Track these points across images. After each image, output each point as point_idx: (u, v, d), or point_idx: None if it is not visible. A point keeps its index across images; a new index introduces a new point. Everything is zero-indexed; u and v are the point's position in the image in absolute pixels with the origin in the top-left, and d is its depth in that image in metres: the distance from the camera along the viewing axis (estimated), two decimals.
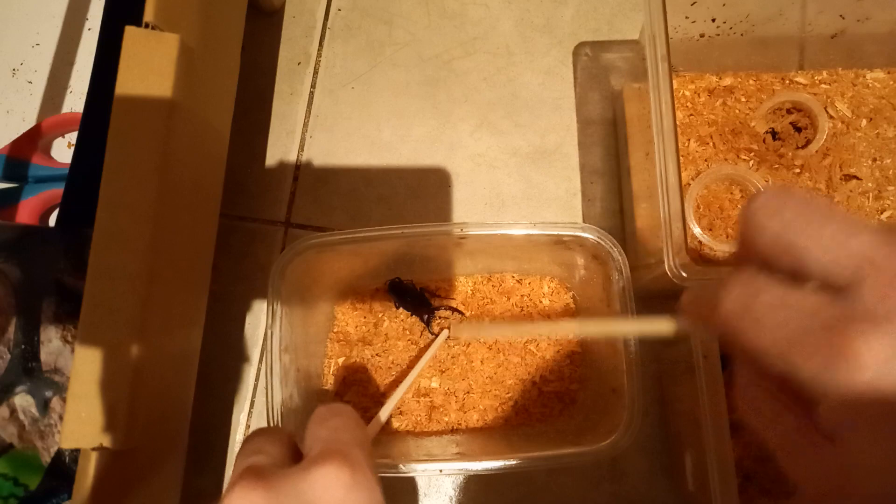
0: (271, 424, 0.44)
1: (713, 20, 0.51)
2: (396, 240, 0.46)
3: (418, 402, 0.51)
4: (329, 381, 0.52)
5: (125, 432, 0.36)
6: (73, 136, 0.61)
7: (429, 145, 0.58)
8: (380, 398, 0.51)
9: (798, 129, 0.54)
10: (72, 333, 0.43)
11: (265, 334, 0.51)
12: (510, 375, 0.51)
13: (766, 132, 0.54)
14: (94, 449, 0.35)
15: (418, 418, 0.51)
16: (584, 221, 0.56)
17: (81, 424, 0.35)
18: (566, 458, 0.42)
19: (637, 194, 0.52)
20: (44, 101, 0.61)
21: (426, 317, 0.52)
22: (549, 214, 0.57)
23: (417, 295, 0.53)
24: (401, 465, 0.44)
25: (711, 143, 0.53)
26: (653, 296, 0.54)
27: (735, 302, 0.19)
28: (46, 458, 0.43)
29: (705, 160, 0.53)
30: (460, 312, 0.53)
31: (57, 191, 0.55)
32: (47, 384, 0.43)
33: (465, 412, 0.51)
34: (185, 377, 0.48)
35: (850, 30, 0.52)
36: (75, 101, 0.61)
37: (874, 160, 0.53)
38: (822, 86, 0.54)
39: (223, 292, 0.55)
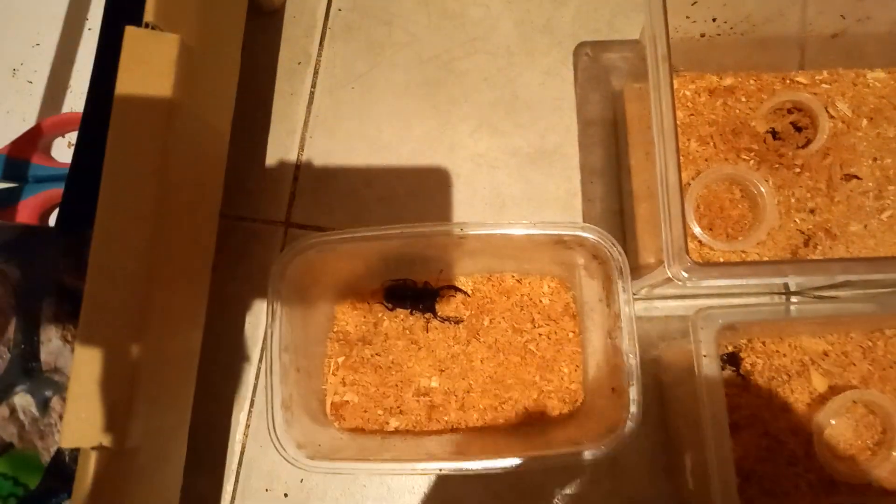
0: (271, 424, 0.44)
1: (714, 20, 0.51)
2: (396, 240, 0.46)
3: (418, 401, 0.51)
4: (329, 381, 0.52)
5: (125, 432, 0.36)
6: (73, 136, 0.61)
7: (429, 145, 0.58)
8: (379, 398, 0.51)
9: (798, 129, 0.54)
10: (72, 333, 0.43)
11: (265, 334, 0.51)
12: (510, 375, 0.51)
13: (767, 132, 0.54)
14: (94, 449, 0.35)
15: (418, 418, 0.51)
16: (584, 221, 0.56)
17: (81, 424, 0.35)
18: (566, 458, 0.42)
19: (637, 194, 0.52)
20: (44, 101, 0.61)
21: (429, 303, 0.52)
22: (549, 214, 0.57)
23: (417, 288, 0.52)
24: (401, 465, 0.44)
25: (712, 143, 0.53)
26: (653, 296, 0.54)
27: None
28: (46, 458, 0.43)
29: (706, 160, 0.53)
30: (464, 292, 0.53)
31: (57, 191, 0.55)
32: (47, 384, 0.43)
33: (465, 412, 0.51)
34: (185, 377, 0.48)
35: (851, 30, 0.52)
36: (75, 101, 0.61)
37: (875, 160, 0.53)
38: (823, 85, 0.54)
39: (223, 292, 0.55)
